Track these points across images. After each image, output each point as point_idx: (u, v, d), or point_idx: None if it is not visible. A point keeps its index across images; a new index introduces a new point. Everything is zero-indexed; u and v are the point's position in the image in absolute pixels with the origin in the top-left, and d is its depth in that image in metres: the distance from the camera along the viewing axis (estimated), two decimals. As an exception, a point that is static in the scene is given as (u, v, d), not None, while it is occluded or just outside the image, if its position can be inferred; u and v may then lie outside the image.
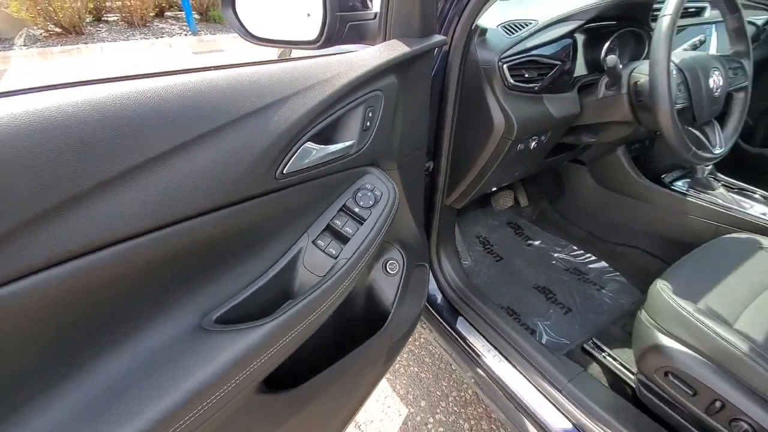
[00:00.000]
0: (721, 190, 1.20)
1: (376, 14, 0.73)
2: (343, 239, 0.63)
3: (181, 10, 6.71)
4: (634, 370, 0.97)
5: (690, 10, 1.27)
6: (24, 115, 0.35)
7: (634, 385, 0.99)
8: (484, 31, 0.91)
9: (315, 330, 0.59)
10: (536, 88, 0.93)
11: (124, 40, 5.65)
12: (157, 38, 5.82)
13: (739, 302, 0.88)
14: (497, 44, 0.89)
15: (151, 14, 6.49)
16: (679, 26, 1.28)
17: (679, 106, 0.82)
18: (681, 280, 0.92)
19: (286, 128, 0.50)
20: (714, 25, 1.22)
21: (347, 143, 0.61)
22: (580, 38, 1.06)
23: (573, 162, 1.49)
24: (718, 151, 0.89)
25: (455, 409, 1.31)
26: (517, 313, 1.34)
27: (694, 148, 0.85)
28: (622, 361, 1.10)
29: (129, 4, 6.05)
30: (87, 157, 0.37)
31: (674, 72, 0.82)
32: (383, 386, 1.38)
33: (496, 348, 1.03)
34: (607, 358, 1.11)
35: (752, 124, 1.73)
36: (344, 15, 0.71)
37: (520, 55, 0.89)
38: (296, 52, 1.14)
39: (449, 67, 0.88)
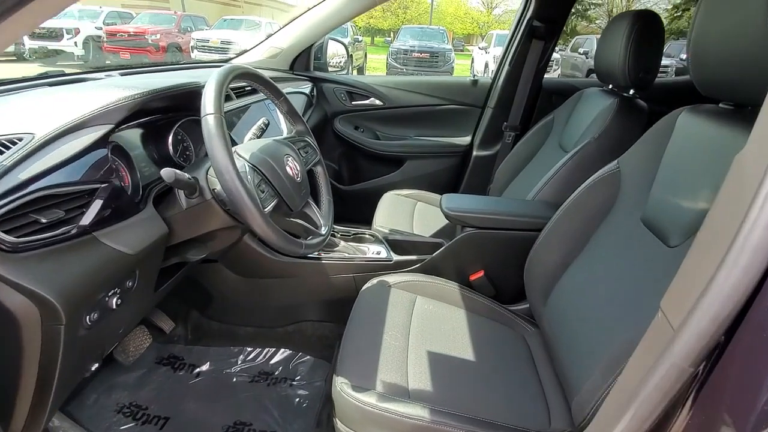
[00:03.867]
0: (342, 243, 1.29)
1: None
2: None
3: None
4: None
5: (247, 88, 1.27)
6: None
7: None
8: None
9: None
10: (75, 230, 0.60)
11: None
12: None
13: (400, 358, 0.90)
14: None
15: None
16: (241, 107, 1.27)
17: (270, 206, 0.72)
18: (351, 364, 0.86)
19: None
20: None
21: None
22: (131, 138, 0.81)
23: (203, 262, 1.25)
24: (324, 230, 0.88)
25: None
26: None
27: (303, 241, 0.78)
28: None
29: None
30: None
31: (249, 172, 0.71)
32: None
33: None
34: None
35: (338, 169, 2.06)
36: None
37: (16, 196, 0.53)
38: None
39: None
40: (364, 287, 1.14)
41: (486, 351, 0.99)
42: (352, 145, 1.95)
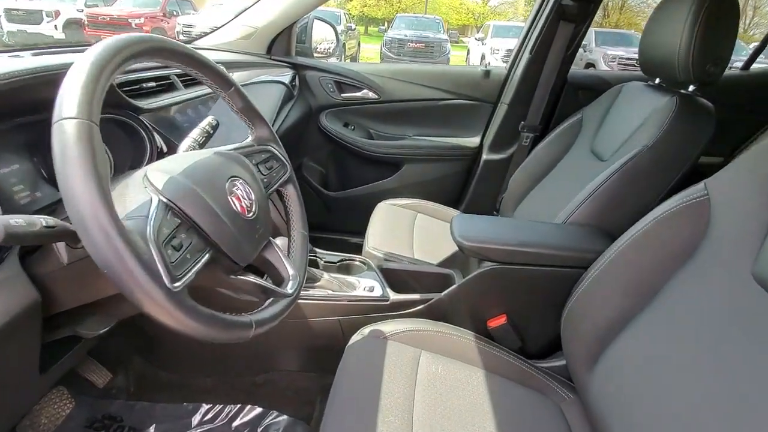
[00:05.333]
0: (326, 275, 1.01)
1: None
2: None
3: None
4: None
5: (165, 80, 0.88)
6: None
7: None
8: None
9: None
10: None
11: None
12: None
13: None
14: None
15: None
16: (189, 100, 0.97)
17: (194, 270, 0.44)
18: None
19: None
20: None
21: None
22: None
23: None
24: (292, 287, 0.59)
25: None
26: None
27: (251, 316, 0.50)
28: None
29: None
30: None
31: (156, 213, 0.42)
32: None
33: None
34: None
35: (324, 172, 1.78)
36: None
37: None
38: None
39: None
40: (353, 341, 0.87)
41: (514, 432, 0.74)
42: (341, 145, 1.66)
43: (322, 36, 1.87)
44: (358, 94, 1.65)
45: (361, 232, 1.36)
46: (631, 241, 0.75)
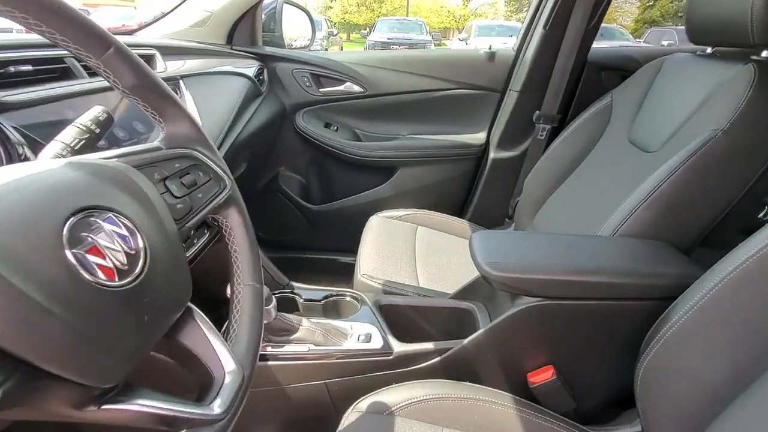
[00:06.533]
0: (306, 323, 0.75)
1: None
2: None
3: None
4: None
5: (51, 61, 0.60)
6: None
7: None
8: None
9: None
10: None
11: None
12: None
13: None
14: None
15: None
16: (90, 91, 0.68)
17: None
18: None
19: None
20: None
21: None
22: None
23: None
24: (221, 405, 0.32)
25: None
26: None
27: None
28: None
29: None
30: None
31: None
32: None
33: None
34: None
35: (305, 182, 1.52)
36: None
37: None
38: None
39: None
40: (346, 422, 0.62)
41: None
42: (323, 149, 1.41)
43: (296, 31, 1.63)
44: (340, 88, 1.40)
45: (352, 249, 1.12)
46: (749, 265, 0.51)
